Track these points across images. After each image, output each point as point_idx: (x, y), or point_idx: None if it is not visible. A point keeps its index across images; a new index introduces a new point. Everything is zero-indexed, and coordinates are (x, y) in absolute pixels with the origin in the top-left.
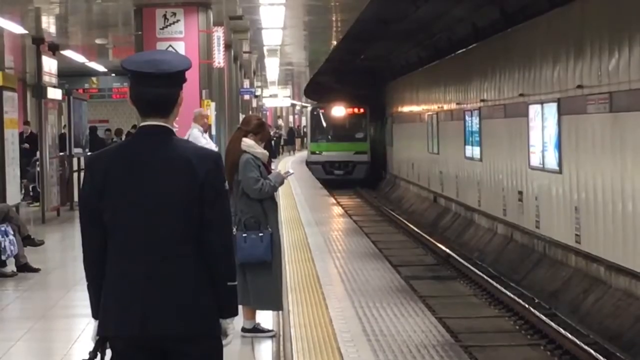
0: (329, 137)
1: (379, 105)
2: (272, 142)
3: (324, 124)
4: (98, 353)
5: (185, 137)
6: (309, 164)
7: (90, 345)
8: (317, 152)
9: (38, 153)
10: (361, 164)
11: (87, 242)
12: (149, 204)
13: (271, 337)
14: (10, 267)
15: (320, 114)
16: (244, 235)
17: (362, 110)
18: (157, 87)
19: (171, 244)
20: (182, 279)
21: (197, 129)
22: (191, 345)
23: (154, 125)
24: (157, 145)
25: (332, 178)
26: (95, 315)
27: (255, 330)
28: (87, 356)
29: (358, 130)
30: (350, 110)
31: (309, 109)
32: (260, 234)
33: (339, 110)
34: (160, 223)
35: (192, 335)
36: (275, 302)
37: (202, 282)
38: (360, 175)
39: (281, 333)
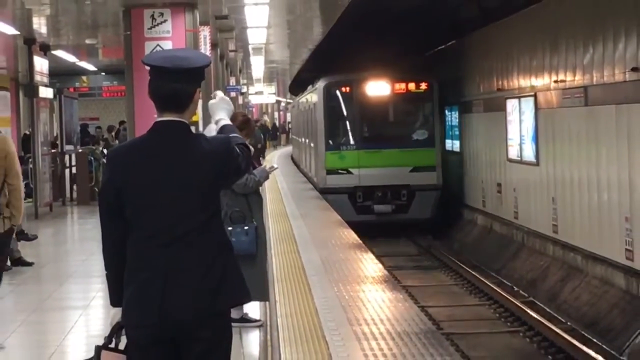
0: (362, 139)
1: (457, 78)
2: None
3: (352, 115)
4: (113, 339)
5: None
6: (324, 191)
7: (84, 335)
8: (340, 169)
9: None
10: (426, 191)
11: (107, 235)
12: (167, 196)
13: (258, 326)
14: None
15: (343, 96)
16: (229, 228)
17: (424, 86)
18: (172, 82)
19: (190, 231)
20: (200, 264)
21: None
22: (204, 329)
23: (169, 120)
24: (173, 139)
25: (372, 220)
26: (113, 303)
27: (243, 320)
28: (103, 342)
29: (418, 125)
30: (400, 86)
31: (321, 86)
32: (246, 227)
33: (379, 88)
34: (180, 213)
35: (207, 315)
36: (261, 293)
37: (218, 266)
38: (423, 212)
39: (268, 323)
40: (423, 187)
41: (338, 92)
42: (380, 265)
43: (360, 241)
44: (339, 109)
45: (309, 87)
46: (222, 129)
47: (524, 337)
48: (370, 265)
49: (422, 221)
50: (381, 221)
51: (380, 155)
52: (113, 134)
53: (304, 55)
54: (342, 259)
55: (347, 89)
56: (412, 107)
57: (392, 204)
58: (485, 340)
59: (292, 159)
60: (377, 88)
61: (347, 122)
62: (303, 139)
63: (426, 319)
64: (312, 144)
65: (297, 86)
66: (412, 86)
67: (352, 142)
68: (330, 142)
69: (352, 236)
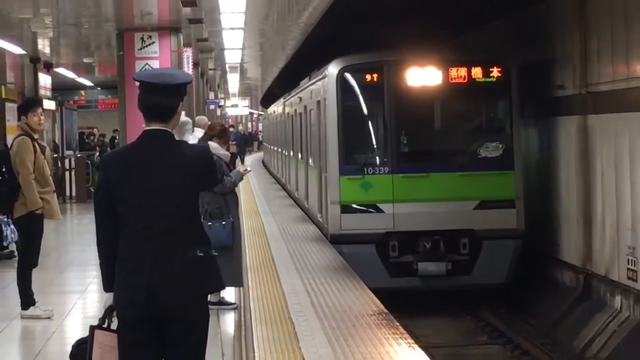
0: (399, 156)
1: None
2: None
3: (382, 118)
4: (106, 320)
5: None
6: (337, 239)
7: (77, 319)
8: (364, 204)
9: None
10: (500, 239)
11: (101, 229)
12: (153, 195)
13: (233, 309)
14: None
15: (369, 88)
16: (209, 223)
17: (496, 72)
18: (159, 96)
19: (174, 226)
20: (181, 254)
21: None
22: (185, 310)
23: (155, 129)
24: (160, 145)
25: (415, 287)
26: (106, 288)
27: (220, 303)
28: (97, 322)
29: (487, 134)
30: (458, 73)
31: (332, 72)
32: (223, 222)
33: (425, 76)
34: (164, 210)
35: (188, 298)
36: (236, 280)
37: (198, 257)
38: (495, 273)
39: (242, 305)
40: (495, 233)
41: (360, 83)
42: (340, 257)
43: (322, 235)
44: (361, 108)
45: (304, 81)
46: None
47: (470, 321)
48: (330, 255)
49: (495, 287)
50: (429, 287)
51: (426, 182)
52: (108, 140)
53: (275, 73)
54: (306, 250)
55: (375, 76)
56: (477, 105)
57: (446, 260)
58: (431, 320)
59: (264, 163)
60: (422, 76)
61: (374, 130)
62: (292, 153)
63: (379, 302)
64: (312, 163)
65: (268, 100)
66: (476, 72)
67: (382, 161)
68: (348, 161)
69: (315, 230)
